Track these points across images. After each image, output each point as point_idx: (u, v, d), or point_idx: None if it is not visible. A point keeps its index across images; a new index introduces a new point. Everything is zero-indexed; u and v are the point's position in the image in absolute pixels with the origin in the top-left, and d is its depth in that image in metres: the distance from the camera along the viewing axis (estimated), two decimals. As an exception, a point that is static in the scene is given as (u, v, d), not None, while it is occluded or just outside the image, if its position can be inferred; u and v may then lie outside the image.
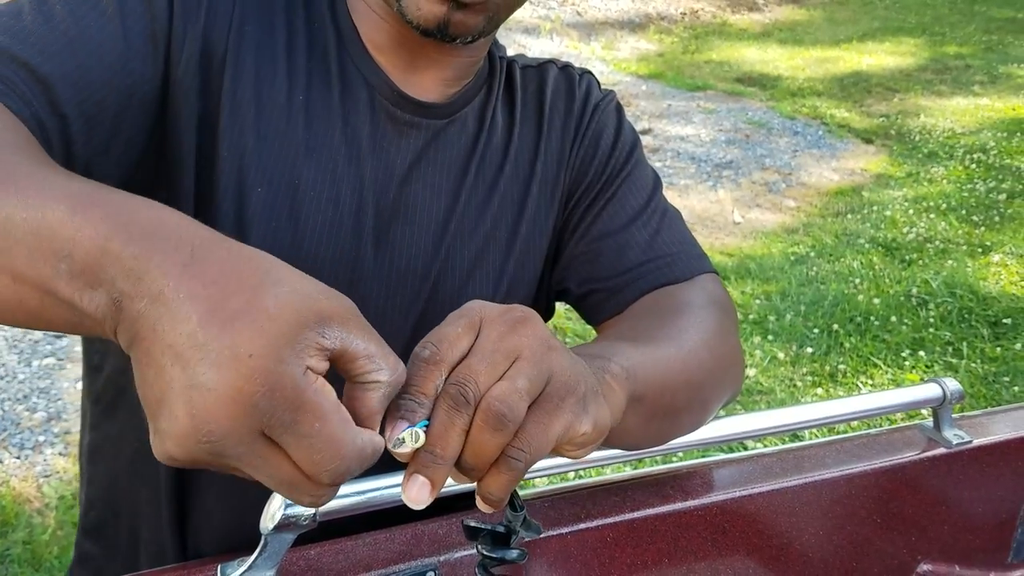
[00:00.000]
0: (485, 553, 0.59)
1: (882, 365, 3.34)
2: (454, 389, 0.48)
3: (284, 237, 0.76)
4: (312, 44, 0.79)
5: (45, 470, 2.58)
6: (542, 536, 0.80)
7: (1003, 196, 4.90)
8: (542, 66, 0.93)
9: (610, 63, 7.01)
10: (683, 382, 0.72)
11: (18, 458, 2.60)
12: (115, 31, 0.69)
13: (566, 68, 0.94)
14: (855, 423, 2.46)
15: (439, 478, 0.48)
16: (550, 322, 3.21)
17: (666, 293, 0.84)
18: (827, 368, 3.31)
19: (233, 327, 0.41)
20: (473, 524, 0.60)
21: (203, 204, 0.75)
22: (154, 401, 0.42)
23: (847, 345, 3.45)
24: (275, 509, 0.63)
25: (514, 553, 0.59)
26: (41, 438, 2.71)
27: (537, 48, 6.85)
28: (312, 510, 0.64)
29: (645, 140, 5.46)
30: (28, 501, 2.45)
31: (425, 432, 0.48)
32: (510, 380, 0.49)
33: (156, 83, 0.72)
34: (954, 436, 0.99)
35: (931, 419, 1.03)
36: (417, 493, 0.48)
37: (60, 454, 2.64)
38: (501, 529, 0.60)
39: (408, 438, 0.48)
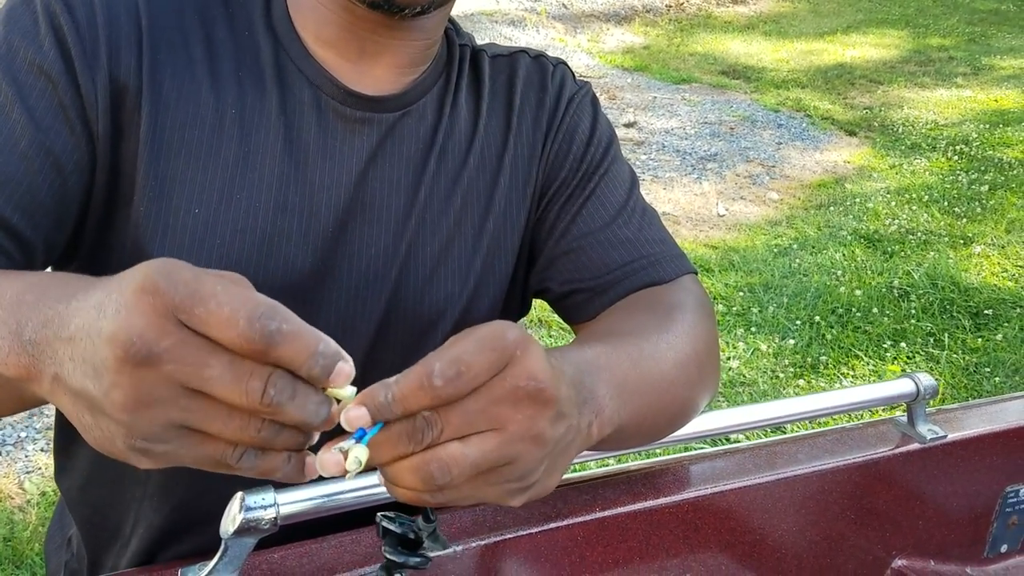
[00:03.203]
0: (388, 555, 0.60)
1: (864, 356, 3.35)
2: (420, 423, 0.48)
3: (232, 252, 0.74)
4: (240, 53, 0.77)
5: (27, 466, 2.56)
6: (513, 535, 0.79)
7: (985, 188, 4.92)
8: (513, 55, 0.90)
9: (596, 55, 7.00)
10: (669, 401, 0.72)
11: (-2, 454, 2.59)
12: (21, 119, 0.68)
13: (539, 58, 0.91)
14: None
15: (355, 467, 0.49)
16: (534, 315, 3.15)
17: (653, 294, 0.83)
18: (809, 360, 3.32)
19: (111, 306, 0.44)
20: (385, 524, 0.60)
21: (147, 234, 0.73)
22: (81, 391, 0.45)
23: (829, 337, 3.46)
24: (235, 512, 0.62)
25: (415, 559, 0.60)
26: (23, 434, 2.68)
27: (523, 40, 6.83)
28: (273, 514, 0.63)
29: (630, 133, 5.46)
30: (9, 498, 2.43)
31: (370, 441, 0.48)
32: (467, 448, 0.48)
33: (83, 146, 0.71)
34: (928, 431, 0.99)
35: (906, 414, 1.03)
36: (332, 466, 0.48)
37: (42, 450, 2.62)
38: (411, 535, 0.60)
39: (355, 451, 0.47)
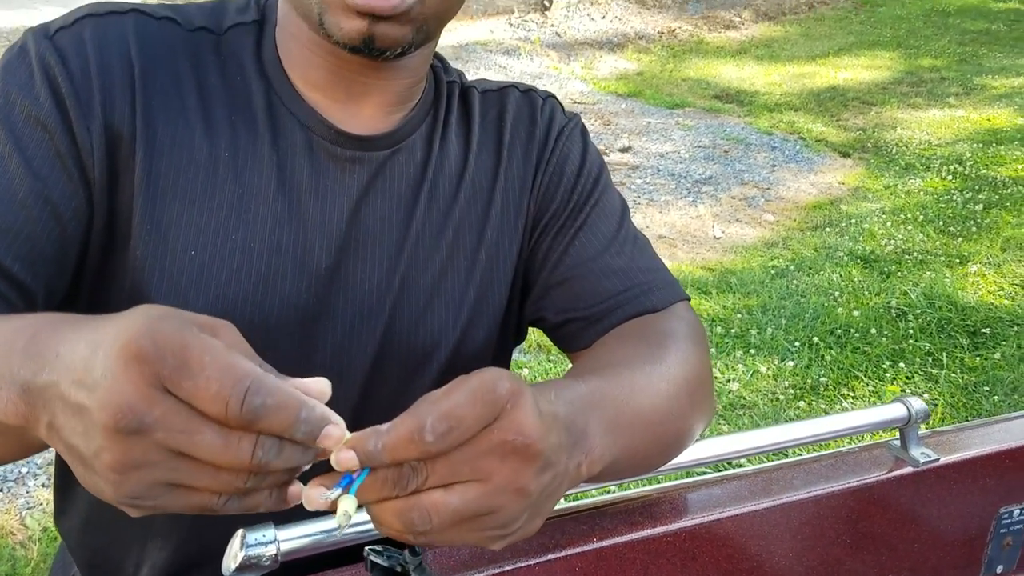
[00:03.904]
0: None
1: (863, 377, 3.36)
2: (405, 470, 0.49)
3: (229, 292, 0.76)
4: (233, 97, 0.79)
5: (28, 502, 2.56)
6: (510, 568, 0.80)
7: (980, 206, 4.95)
8: (503, 90, 0.92)
9: (590, 82, 7.06)
10: (662, 433, 0.73)
11: (0, 490, 2.58)
12: (19, 170, 0.70)
13: (529, 92, 0.93)
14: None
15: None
16: (532, 340, 3.15)
17: (646, 324, 0.84)
18: (809, 381, 3.33)
19: (100, 352, 0.45)
20: (373, 558, 0.61)
21: (144, 276, 0.75)
22: (72, 446, 0.46)
23: (828, 358, 3.47)
24: (236, 550, 0.63)
25: None
26: (24, 469, 2.68)
27: (517, 69, 6.89)
28: (273, 550, 0.64)
29: (625, 158, 5.49)
30: (11, 534, 2.43)
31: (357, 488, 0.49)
32: (450, 496, 0.49)
33: (80, 193, 0.73)
34: (921, 455, 1.00)
35: (899, 438, 1.04)
36: (317, 503, 0.50)
37: (43, 486, 2.62)
38: (397, 569, 0.61)
39: (344, 504, 0.49)
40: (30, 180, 0.70)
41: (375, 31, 0.71)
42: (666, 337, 0.80)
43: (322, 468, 0.49)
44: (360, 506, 0.51)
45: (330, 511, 0.50)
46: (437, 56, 0.90)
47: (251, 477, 0.47)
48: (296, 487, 0.50)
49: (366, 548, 0.62)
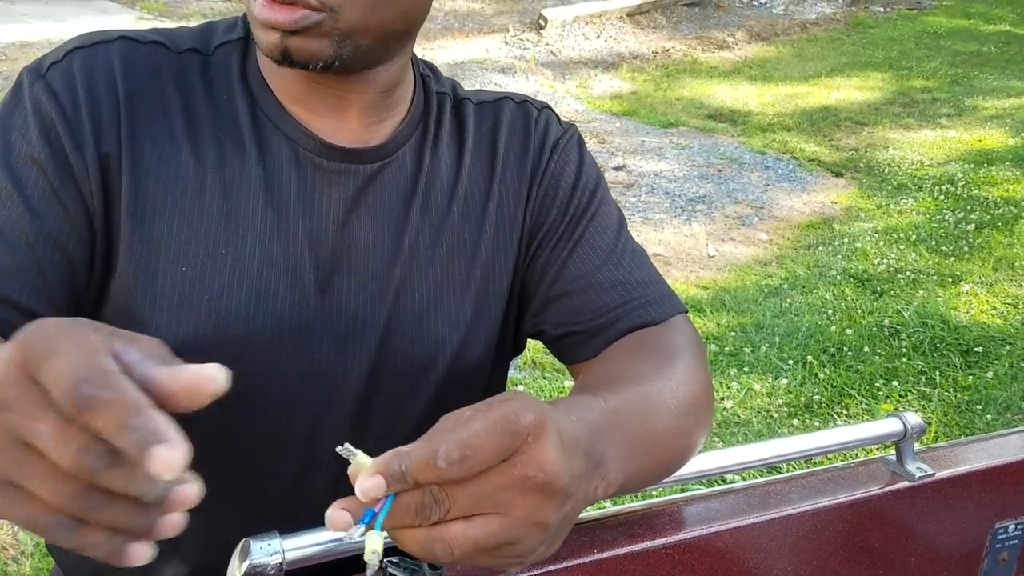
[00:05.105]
0: None
1: (856, 395, 3.37)
2: (428, 500, 0.49)
3: (221, 307, 0.77)
4: (220, 115, 0.80)
5: (19, 518, 2.54)
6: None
7: (972, 226, 4.98)
8: (498, 102, 0.92)
9: (584, 101, 7.10)
10: (671, 450, 0.74)
11: (-10, 507, 2.57)
12: (19, 209, 0.73)
13: (524, 103, 0.93)
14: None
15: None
16: (528, 357, 3.16)
17: (650, 337, 0.84)
18: (802, 399, 3.33)
19: None
20: (392, 570, 0.61)
21: (137, 295, 0.77)
22: None
23: (822, 376, 3.48)
24: (240, 560, 0.64)
25: None
26: (14, 486, 2.67)
27: (513, 87, 6.92)
28: (278, 560, 0.64)
29: (620, 176, 5.52)
30: (3, 548, 2.41)
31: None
32: (471, 529, 0.50)
33: (80, 222, 0.76)
34: (917, 469, 1.01)
35: (895, 453, 1.04)
36: (340, 525, 0.50)
37: (33, 502, 2.61)
38: None
39: (372, 542, 0.49)
40: (29, 218, 0.73)
41: (288, 45, 0.72)
42: (672, 352, 0.80)
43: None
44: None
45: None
46: (428, 66, 0.91)
47: (83, 496, 0.43)
48: (141, 547, 0.46)
49: (384, 559, 0.63)
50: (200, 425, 0.79)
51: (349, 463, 0.50)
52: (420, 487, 0.49)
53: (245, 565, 0.63)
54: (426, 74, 0.90)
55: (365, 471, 0.49)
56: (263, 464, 0.82)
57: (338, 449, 0.50)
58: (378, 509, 0.49)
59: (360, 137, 0.83)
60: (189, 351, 0.75)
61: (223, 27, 0.85)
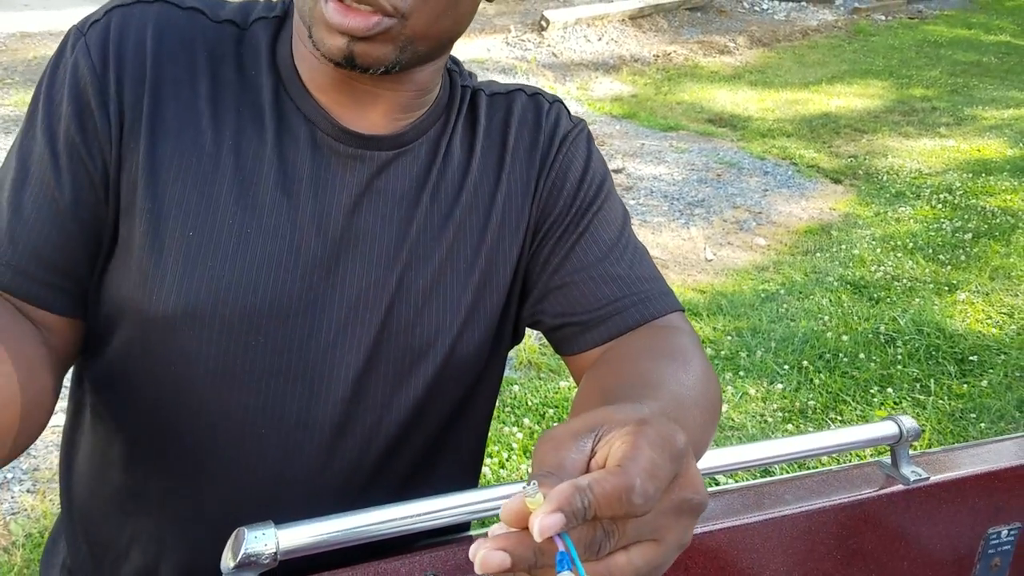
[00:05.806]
0: None
1: (851, 401, 3.37)
2: (600, 534, 0.47)
3: (224, 276, 0.78)
4: (244, 90, 0.81)
5: (12, 507, 2.54)
6: None
7: (969, 236, 4.99)
8: (510, 93, 0.93)
9: (585, 103, 7.10)
10: (698, 451, 0.74)
11: (-18, 496, 2.56)
12: (52, 192, 0.76)
13: (536, 95, 0.93)
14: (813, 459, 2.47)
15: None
16: (524, 357, 3.15)
17: (657, 339, 0.84)
18: (797, 404, 3.34)
19: None
20: None
21: (144, 254, 0.78)
22: None
23: (817, 381, 3.48)
24: (235, 547, 0.64)
25: None
26: (8, 475, 2.67)
27: (512, 87, 6.91)
28: (272, 548, 0.64)
29: (619, 179, 5.52)
30: (-7, 541, 2.41)
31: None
32: (633, 558, 0.48)
33: (98, 178, 0.78)
34: (911, 473, 1.01)
35: (890, 457, 1.05)
36: (496, 567, 0.45)
37: (28, 491, 2.60)
38: None
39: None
40: (58, 184, 0.77)
41: (354, 50, 0.72)
42: (685, 354, 0.81)
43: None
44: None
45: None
46: (453, 59, 0.91)
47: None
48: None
49: None
50: (193, 397, 0.80)
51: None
52: (596, 521, 0.46)
53: (240, 553, 0.63)
54: (452, 68, 0.91)
55: (537, 507, 0.44)
56: (252, 439, 0.82)
57: (523, 487, 0.45)
58: (564, 548, 0.44)
59: (378, 127, 0.84)
60: (188, 318, 0.77)
61: (264, 4, 0.86)
